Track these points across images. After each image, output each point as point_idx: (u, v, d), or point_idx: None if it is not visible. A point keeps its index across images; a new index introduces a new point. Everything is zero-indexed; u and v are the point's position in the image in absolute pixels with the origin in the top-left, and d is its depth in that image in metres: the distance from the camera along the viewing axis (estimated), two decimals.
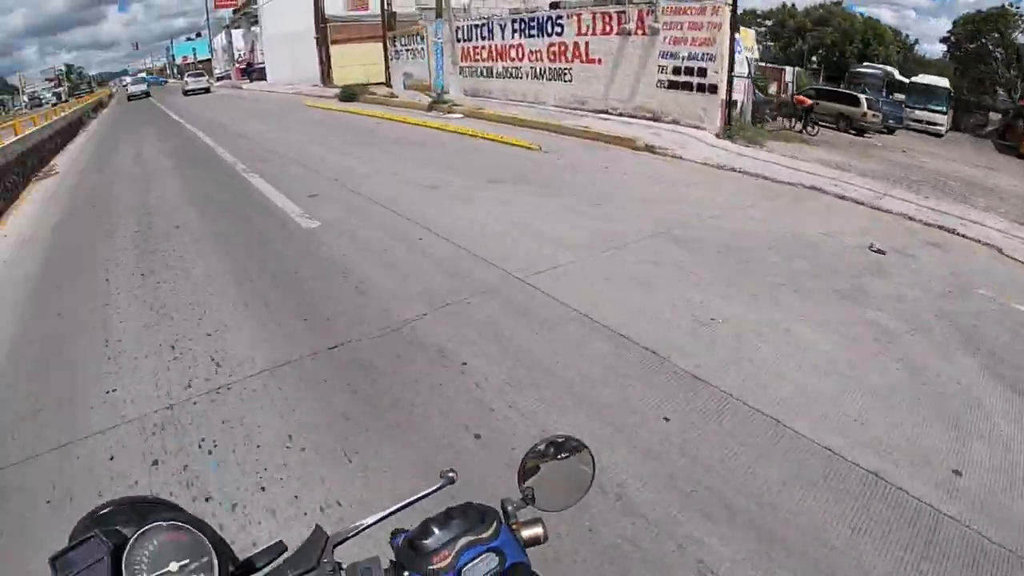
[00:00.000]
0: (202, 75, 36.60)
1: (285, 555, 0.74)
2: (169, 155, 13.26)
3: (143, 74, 73.57)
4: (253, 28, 33.63)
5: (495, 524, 0.68)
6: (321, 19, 24.84)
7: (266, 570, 0.72)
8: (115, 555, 0.67)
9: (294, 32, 30.34)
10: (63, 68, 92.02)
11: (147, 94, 40.40)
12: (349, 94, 20.70)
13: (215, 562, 0.68)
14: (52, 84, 74.18)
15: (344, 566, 0.71)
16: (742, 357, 3.49)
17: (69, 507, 2.44)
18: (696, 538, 2.19)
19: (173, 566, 0.67)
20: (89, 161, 14.70)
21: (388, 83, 22.30)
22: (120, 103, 39.78)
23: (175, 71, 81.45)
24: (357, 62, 24.93)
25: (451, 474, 0.79)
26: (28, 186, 11.30)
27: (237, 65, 37.76)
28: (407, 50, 20.76)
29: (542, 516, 0.76)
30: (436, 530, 0.68)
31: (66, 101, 44.41)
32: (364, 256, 5.20)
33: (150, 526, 0.68)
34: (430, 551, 0.67)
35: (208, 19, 44.31)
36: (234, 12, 39.75)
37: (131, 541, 0.67)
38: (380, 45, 22.69)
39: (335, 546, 0.73)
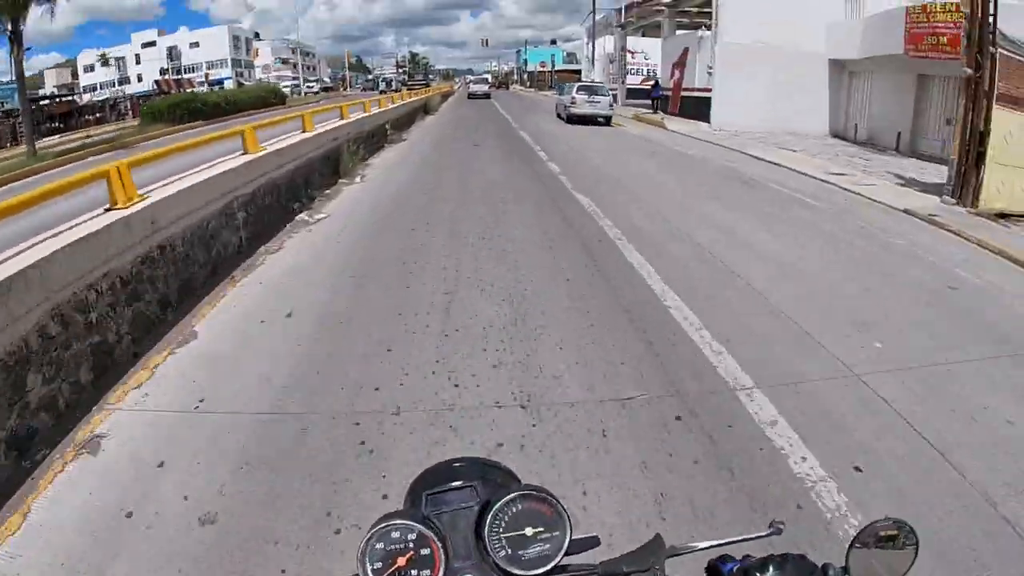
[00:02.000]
0: (485, 82, 39.11)
1: (597, 548, 0.79)
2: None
3: (487, 76, 68.63)
4: (691, 33, 19.33)
5: None
6: (985, 40, 7.94)
7: (602, 560, 0.77)
8: (483, 507, 0.74)
9: (783, 49, 14.82)
10: (407, 54, 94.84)
11: (487, 95, 39.61)
12: None
13: (566, 538, 0.73)
14: (396, 71, 73.71)
15: None
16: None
17: None
18: None
19: (528, 531, 0.72)
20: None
21: None
22: (459, 104, 32.08)
23: (523, 79, 76.10)
24: None
25: (780, 525, 0.80)
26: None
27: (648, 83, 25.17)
28: None
29: None
30: (772, 570, 0.70)
31: (396, 91, 37.35)
32: None
33: (524, 491, 0.74)
34: None
35: (593, 13, 32.52)
36: (631, 8, 26.48)
37: (505, 499, 0.73)
38: None
39: (668, 557, 0.76)
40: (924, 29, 11.33)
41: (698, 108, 17.66)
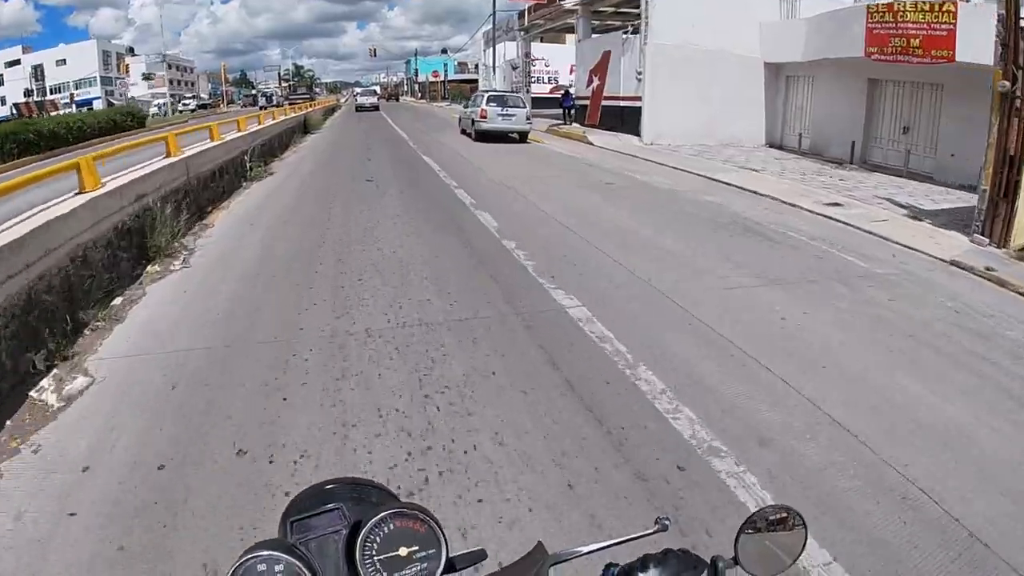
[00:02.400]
0: (374, 93, 39.97)
1: (484, 563, 0.77)
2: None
3: (375, 87, 64.23)
4: (614, 35, 17.28)
5: (704, 574, 0.70)
6: (1020, 49, 6.42)
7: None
8: (352, 530, 0.71)
9: (717, 52, 13.40)
10: (290, 67, 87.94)
11: (376, 107, 38.21)
12: None
13: (443, 555, 0.70)
14: (279, 85, 67.35)
15: None
16: None
17: None
18: None
19: (403, 551, 0.69)
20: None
21: None
22: (347, 119, 28.44)
23: (414, 90, 72.38)
24: None
25: (665, 521, 0.79)
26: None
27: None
28: None
29: None
30: (652, 567, 0.69)
31: (278, 106, 32.28)
32: None
33: (394, 510, 0.71)
34: None
35: (494, 15, 30.04)
36: (536, 9, 24.35)
37: (373, 520, 0.69)
38: None
39: (551, 565, 0.74)
40: (890, 30, 9.89)
41: (622, 118, 15.71)
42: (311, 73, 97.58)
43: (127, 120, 27.92)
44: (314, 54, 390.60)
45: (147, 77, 64.25)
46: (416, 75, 69.77)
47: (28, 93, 54.77)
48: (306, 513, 0.75)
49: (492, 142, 14.85)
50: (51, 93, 55.97)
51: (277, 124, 14.87)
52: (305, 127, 19.49)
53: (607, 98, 17.05)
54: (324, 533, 0.73)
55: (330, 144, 16.70)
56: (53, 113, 35.23)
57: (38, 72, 59.94)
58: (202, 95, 68.89)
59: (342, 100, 72.01)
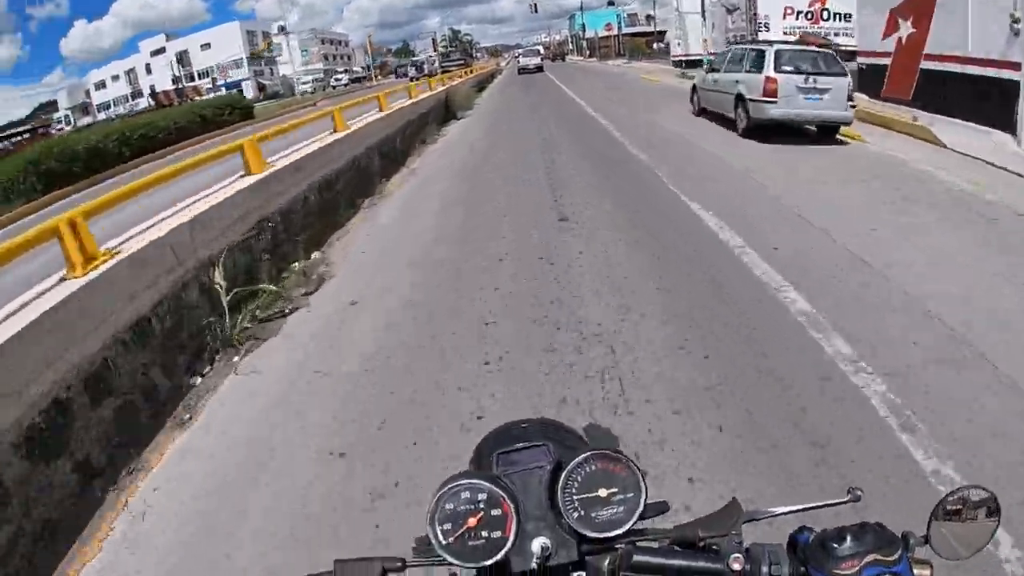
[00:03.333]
0: (536, 53, 39.06)
1: (666, 513, 0.82)
2: None
3: (538, 47, 58.58)
4: None
5: (900, 551, 0.68)
6: None
7: (674, 525, 0.76)
8: (555, 467, 0.74)
9: None
10: (448, 33, 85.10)
11: (540, 68, 37.40)
12: None
13: (642, 500, 0.72)
14: (435, 51, 64.03)
15: (747, 544, 0.73)
16: None
17: None
18: None
19: (602, 492, 0.72)
20: None
21: None
22: (507, 86, 25.99)
23: (581, 47, 66.29)
24: None
25: (858, 492, 0.78)
26: None
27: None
28: None
29: (932, 561, 0.70)
30: (850, 539, 0.68)
31: (431, 75, 28.35)
32: None
33: (598, 451, 0.73)
34: (840, 556, 0.67)
35: None
36: None
37: (578, 458, 0.72)
38: None
39: (744, 523, 0.74)
40: None
41: (966, 95, 9.19)
42: (469, 37, 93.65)
43: (221, 115, 22.20)
44: (472, 20, 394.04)
45: (304, 51, 65.10)
46: (583, 30, 63.56)
47: (176, 80, 56.15)
48: (512, 447, 0.79)
49: (776, 139, 9.34)
50: (199, 78, 57.59)
51: (415, 105, 11.25)
52: (447, 109, 15.43)
53: (931, 58, 10.52)
54: (528, 468, 0.76)
55: (482, 135, 12.57)
56: (196, 98, 35.01)
57: (184, 59, 59.83)
58: (355, 69, 68.51)
59: (503, 64, 67.39)
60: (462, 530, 0.68)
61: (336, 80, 59.98)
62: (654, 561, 0.71)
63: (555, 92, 22.53)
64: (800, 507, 0.77)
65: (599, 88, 21.86)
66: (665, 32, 37.11)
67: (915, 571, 0.70)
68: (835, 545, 0.68)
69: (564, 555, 0.71)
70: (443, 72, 29.72)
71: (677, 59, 27.33)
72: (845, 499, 0.77)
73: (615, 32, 52.16)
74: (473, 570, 0.72)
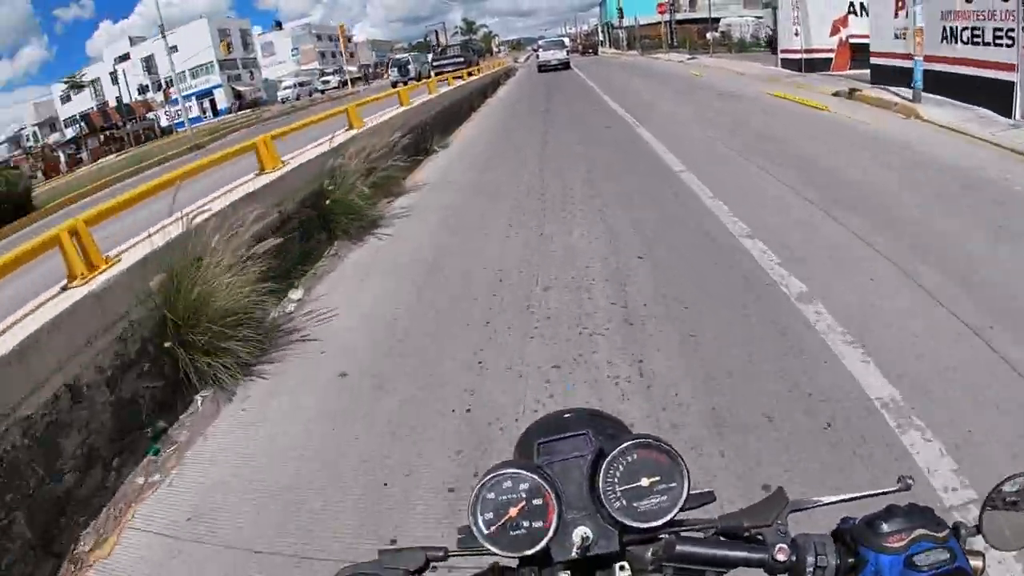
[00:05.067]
0: (561, 45, 32.88)
1: (711, 503, 0.79)
2: None
3: (564, 38, 47.81)
4: None
5: (948, 531, 0.68)
6: None
7: (719, 516, 0.75)
8: (597, 455, 0.73)
9: None
10: (461, 24, 75.52)
11: (566, 65, 30.52)
12: None
13: (685, 489, 0.71)
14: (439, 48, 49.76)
15: (794, 534, 0.73)
16: None
17: None
18: None
19: (644, 481, 0.70)
20: None
21: None
22: (518, 101, 18.93)
23: (617, 39, 55.84)
24: None
25: (909, 480, 0.77)
26: None
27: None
28: None
29: (985, 553, 0.69)
30: (898, 516, 0.69)
31: (417, 78, 25.02)
32: None
33: (640, 439, 0.72)
34: (888, 532, 0.68)
35: None
36: None
37: (619, 447, 0.71)
38: None
39: (790, 512, 0.74)
40: None
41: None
42: (486, 29, 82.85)
43: None
44: (496, 13, 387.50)
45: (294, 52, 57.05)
46: (621, 16, 52.58)
47: (143, 89, 47.20)
48: (553, 436, 0.79)
49: None
50: (167, 87, 40.10)
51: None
52: (426, 146, 9.63)
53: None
54: (569, 457, 0.75)
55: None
56: (149, 114, 29.91)
57: (149, 64, 48.34)
58: (350, 69, 50.58)
59: (520, 60, 56.28)
60: (503, 520, 0.69)
61: (324, 83, 53.33)
62: (698, 551, 0.71)
63: (594, 107, 13.54)
64: (848, 496, 0.77)
65: (683, 106, 12.19)
66: (718, 20, 32.11)
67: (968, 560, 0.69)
68: (883, 522, 0.68)
69: (605, 545, 0.70)
70: (437, 74, 23.10)
71: (789, 57, 16.80)
72: (895, 487, 0.76)
73: (667, 17, 39.62)
74: (515, 560, 0.72)
